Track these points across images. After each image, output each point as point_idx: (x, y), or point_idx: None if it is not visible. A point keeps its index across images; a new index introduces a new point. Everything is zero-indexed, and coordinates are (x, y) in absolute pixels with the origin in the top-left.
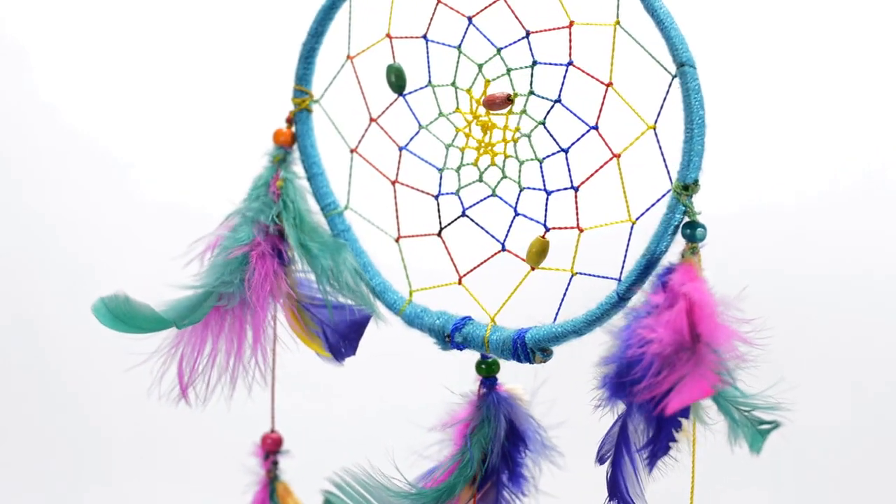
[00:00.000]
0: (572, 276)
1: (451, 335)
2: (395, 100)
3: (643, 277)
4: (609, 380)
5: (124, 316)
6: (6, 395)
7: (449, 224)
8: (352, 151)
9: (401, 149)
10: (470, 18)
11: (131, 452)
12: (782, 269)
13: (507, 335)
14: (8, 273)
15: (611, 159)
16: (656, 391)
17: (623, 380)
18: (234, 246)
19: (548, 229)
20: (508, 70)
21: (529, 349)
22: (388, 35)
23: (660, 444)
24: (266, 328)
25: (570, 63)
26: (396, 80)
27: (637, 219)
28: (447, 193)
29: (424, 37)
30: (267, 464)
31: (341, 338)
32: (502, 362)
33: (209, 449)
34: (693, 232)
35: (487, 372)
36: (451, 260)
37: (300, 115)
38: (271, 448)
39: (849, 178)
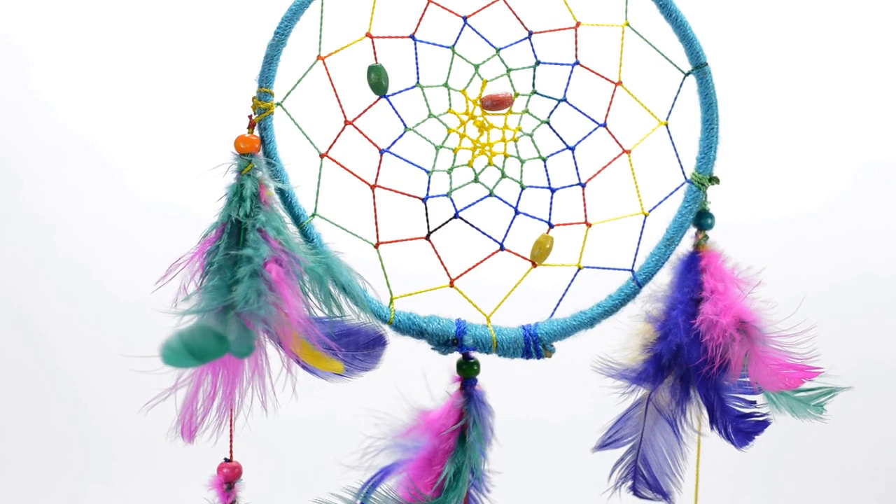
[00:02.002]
0: (578, 269)
1: (460, 339)
2: (376, 101)
3: (661, 265)
4: (650, 364)
5: (199, 350)
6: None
7: (440, 227)
8: (322, 156)
9: (382, 152)
10: (465, 18)
11: (132, 452)
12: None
13: (517, 333)
14: (9, 274)
15: (620, 154)
16: (737, 370)
17: (681, 363)
18: (260, 262)
19: (552, 226)
20: (508, 70)
21: (542, 345)
22: (368, 34)
23: (730, 419)
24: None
25: (577, 63)
26: (379, 80)
27: (650, 211)
28: (437, 196)
29: (412, 36)
30: (231, 495)
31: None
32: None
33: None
34: (706, 220)
35: (472, 372)
36: (442, 263)
37: (267, 120)
38: (230, 477)
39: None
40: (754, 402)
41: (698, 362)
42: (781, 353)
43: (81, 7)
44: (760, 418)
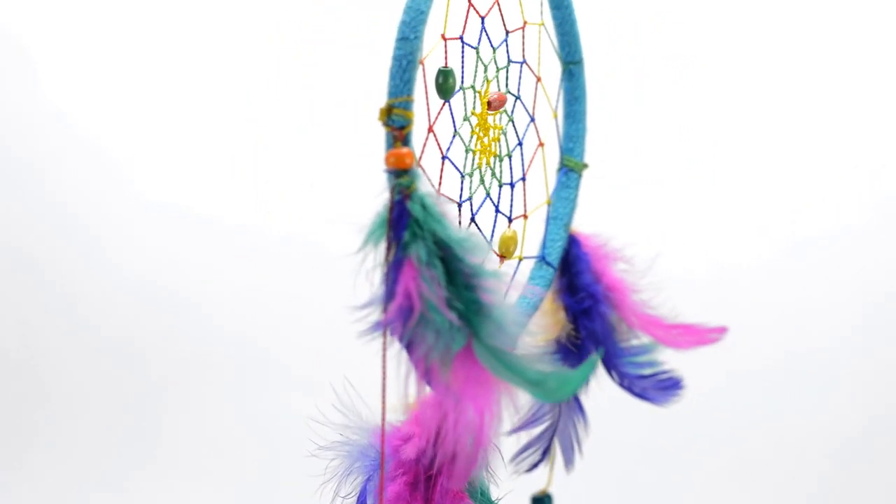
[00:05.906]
0: (520, 261)
1: None
2: (443, 105)
3: (563, 248)
4: (585, 341)
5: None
6: None
7: None
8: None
9: (444, 158)
10: (482, 18)
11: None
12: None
13: None
14: (11, 275)
15: (538, 147)
16: (622, 335)
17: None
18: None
19: (511, 220)
20: (498, 70)
21: None
22: (442, 36)
23: (633, 381)
24: None
25: (524, 61)
26: (447, 83)
27: (551, 198)
28: (466, 200)
29: (461, 38)
30: None
31: None
32: None
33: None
34: None
35: None
36: None
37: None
38: None
39: None
40: (650, 364)
41: (607, 334)
42: (656, 316)
43: (87, 9)
44: (664, 377)
